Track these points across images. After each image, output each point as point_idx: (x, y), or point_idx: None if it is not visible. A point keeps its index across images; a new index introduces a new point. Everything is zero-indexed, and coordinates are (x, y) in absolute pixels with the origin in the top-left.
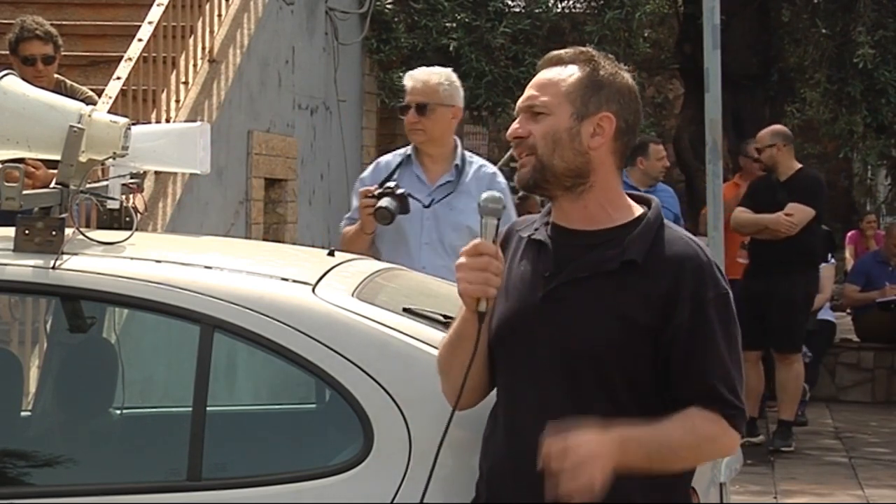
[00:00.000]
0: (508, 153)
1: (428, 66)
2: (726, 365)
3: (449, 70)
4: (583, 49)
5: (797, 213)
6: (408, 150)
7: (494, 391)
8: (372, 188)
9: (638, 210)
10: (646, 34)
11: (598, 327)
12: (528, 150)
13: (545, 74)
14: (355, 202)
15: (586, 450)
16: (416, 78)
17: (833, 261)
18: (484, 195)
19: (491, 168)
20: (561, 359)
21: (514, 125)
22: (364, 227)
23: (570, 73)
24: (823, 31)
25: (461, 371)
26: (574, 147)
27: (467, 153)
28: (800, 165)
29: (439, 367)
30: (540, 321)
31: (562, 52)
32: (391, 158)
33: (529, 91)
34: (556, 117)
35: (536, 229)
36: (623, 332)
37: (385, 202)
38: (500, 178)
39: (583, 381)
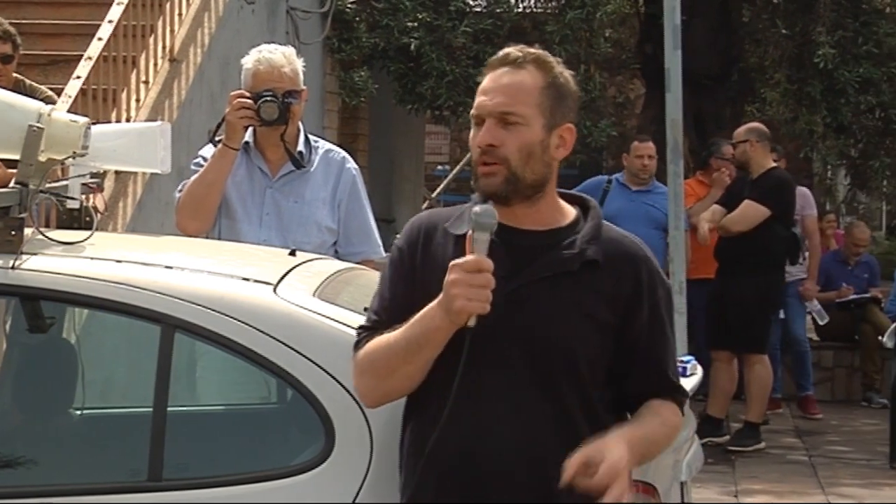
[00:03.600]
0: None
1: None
2: (674, 355)
3: (289, 47)
4: (534, 51)
5: (744, 210)
6: (245, 136)
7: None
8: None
9: (570, 208)
10: (607, 34)
11: (566, 325)
12: (499, 160)
13: (509, 78)
14: (204, 152)
15: (617, 463)
16: (274, 63)
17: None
18: (477, 208)
19: (340, 152)
20: (531, 357)
21: (484, 134)
22: (234, 135)
23: (535, 81)
24: (783, 31)
25: (408, 378)
26: (543, 160)
27: (312, 136)
28: (773, 165)
29: (371, 367)
30: (504, 321)
31: (516, 51)
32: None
33: (498, 97)
34: (530, 129)
35: None
36: (590, 330)
37: (269, 97)
38: (351, 163)
39: (553, 377)
